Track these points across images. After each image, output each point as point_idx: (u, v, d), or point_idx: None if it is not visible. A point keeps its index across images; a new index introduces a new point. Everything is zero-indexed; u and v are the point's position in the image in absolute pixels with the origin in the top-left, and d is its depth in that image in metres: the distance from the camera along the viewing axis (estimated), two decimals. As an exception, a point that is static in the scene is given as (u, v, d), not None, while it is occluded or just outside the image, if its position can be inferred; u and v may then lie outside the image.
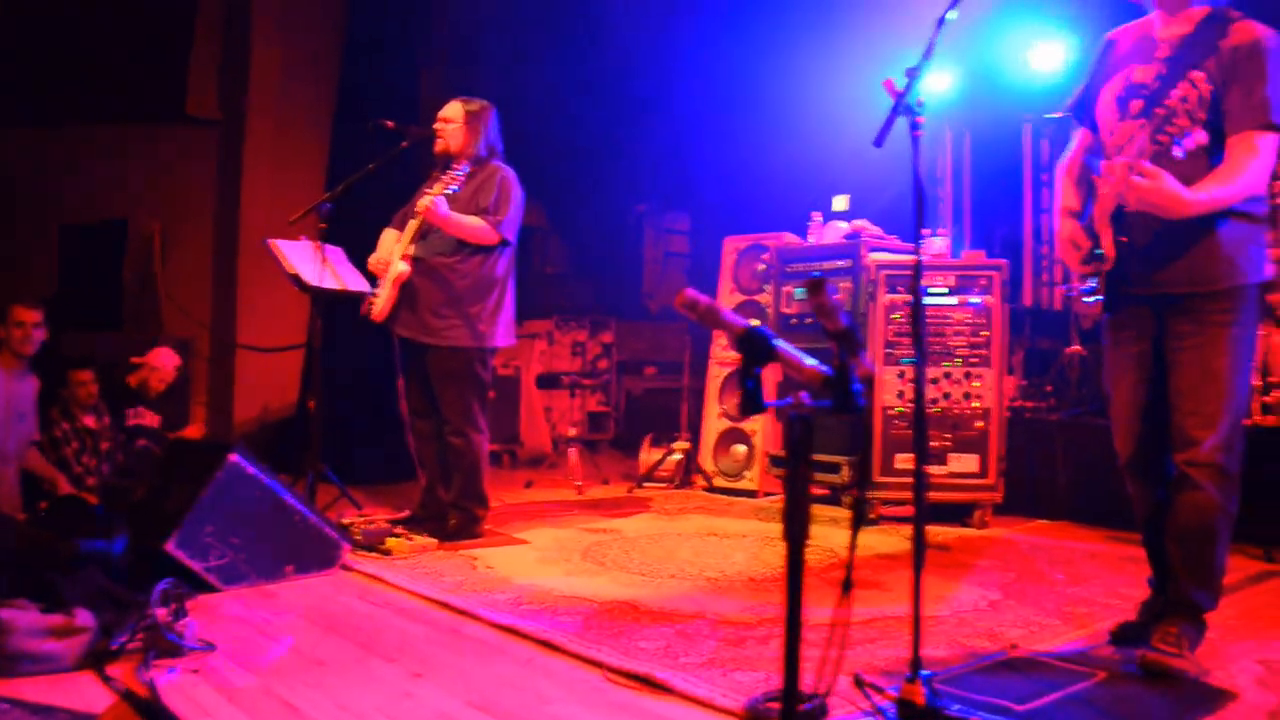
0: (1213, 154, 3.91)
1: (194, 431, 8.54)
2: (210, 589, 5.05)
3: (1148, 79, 4.07)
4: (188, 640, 4.12)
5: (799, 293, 7.96)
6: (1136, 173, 3.76)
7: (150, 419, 7.65)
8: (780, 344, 2.13)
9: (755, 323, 2.16)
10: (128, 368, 7.84)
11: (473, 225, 6.40)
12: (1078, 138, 4.52)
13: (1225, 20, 3.95)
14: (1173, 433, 4.07)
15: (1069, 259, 4.30)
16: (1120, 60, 4.26)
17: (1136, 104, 4.06)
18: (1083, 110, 4.45)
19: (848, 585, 2.55)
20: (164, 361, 7.95)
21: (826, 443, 7.36)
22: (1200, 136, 3.74)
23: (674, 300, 2.03)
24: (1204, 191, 3.80)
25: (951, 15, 3.57)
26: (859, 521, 2.69)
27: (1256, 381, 6.82)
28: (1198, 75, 3.78)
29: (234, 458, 5.24)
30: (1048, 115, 9.29)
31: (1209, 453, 3.96)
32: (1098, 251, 4.13)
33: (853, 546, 2.48)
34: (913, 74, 3.46)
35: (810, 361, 2.19)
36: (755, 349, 2.09)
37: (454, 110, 6.67)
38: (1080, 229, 4.23)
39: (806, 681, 2.62)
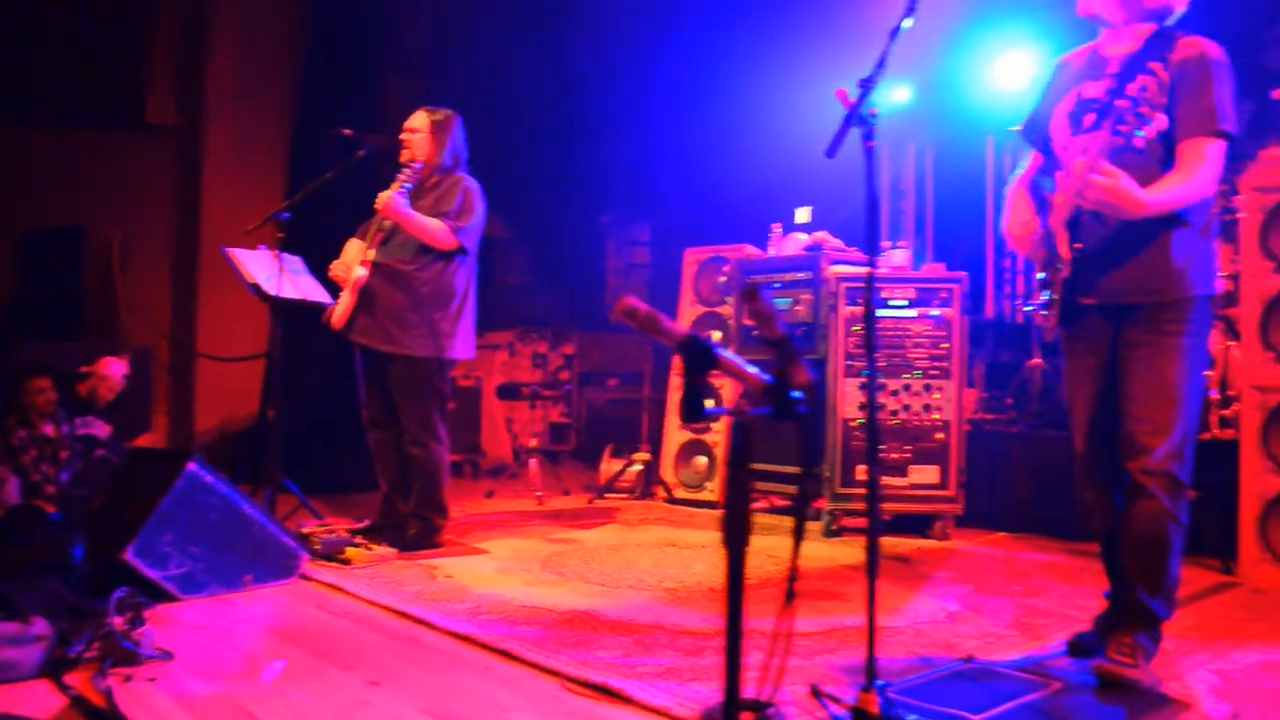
0: (1168, 149, 4.01)
1: (148, 440, 8.49)
2: (169, 598, 5.02)
3: (1098, 93, 4.15)
4: (145, 649, 4.10)
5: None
6: (1096, 171, 3.82)
7: (101, 428, 7.60)
8: (722, 351, 2.14)
9: (717, 336, 2.17)
10: (77, 376, 7.80)
11: (432, 226, 6.40)
12: (1029, 160, 4.60)
13: (1171, 37, 4.07)
14: (1124, 441, 4.12)
15: (1031, 253, 4.39)
16: (1071, 80, 4.35)
17: (1089, 118, 4.14)
18: (1034, 132, 4.55)
19: (790, 593, 2.56)
20: (112, 370, 7.90)
21: (789, 455, 7.40)
22: (1161, 122, 3.79)
23: (614, 308, 2.04)
24: (1158, 193, 3.87)
25: (907, 24, 3.60)
26: (801, 529, 2.69)
27: (1215, 395, 6.89)
28: (1155, 65, 3.83)
29: (192, 467, 5.22)
30: (1011, 129, 9.34)
31: (1160, 461, 4.01)
32: (1055, 256, 4.21)
33: (795, 553, 2.49)
34: (865, 85, 3.49)
35: (752, 369, 2.21)
36: (696, 357, 2.10)
37: (419, 120, 6.68)
38: (1039, 234, 4.31)
39: (765, 692, 2.63)
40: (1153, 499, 4.03)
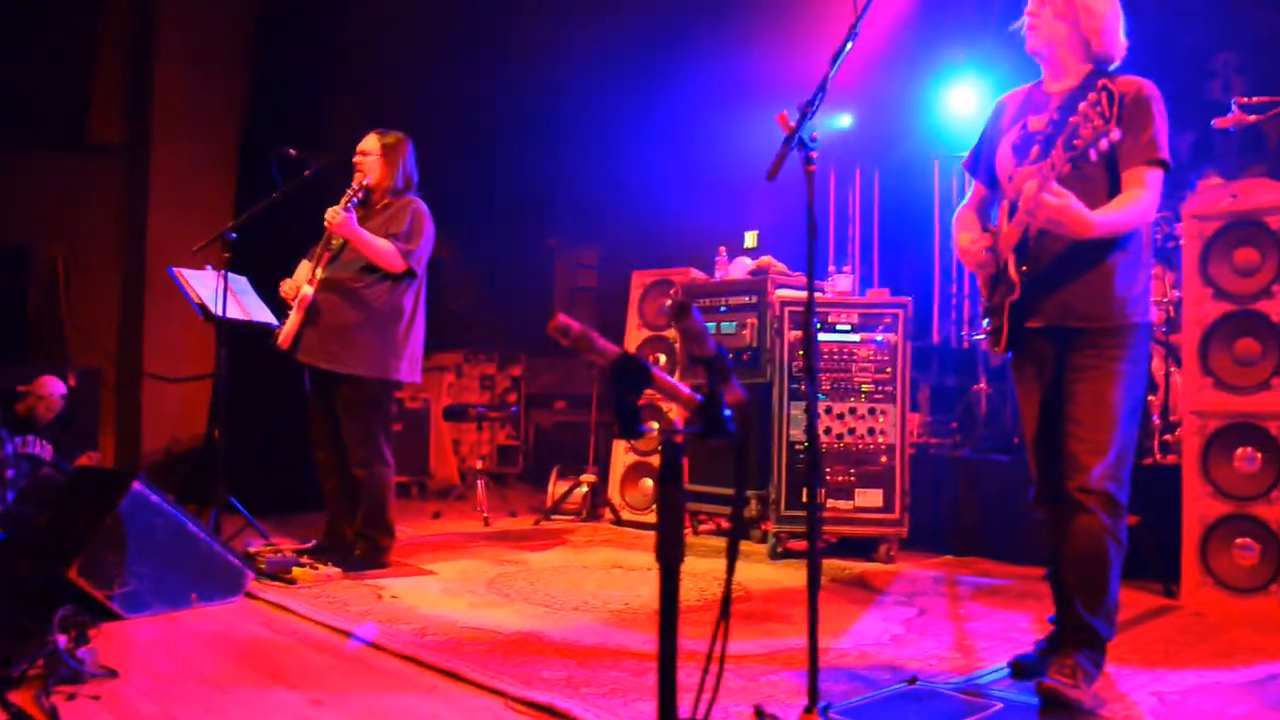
0: (1112, 176, 4.18)
1: (89, 459, 8.43)
2: (114, 616, 5.00)
3: (1042, 126, 4.30)
4: (89, 667, 4.09)
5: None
6: (1047, 191, 3.92)
7: (41, 448, 7.56)
8: (655, 371, 2.17)
9: (663, 359, 2.20)
10: (14, 396, 7.75)
11: (381, 246, 6.40)
12: (972, 191, 4.77)
13: (1109, 75, 4.22)
14: (1065, 460, 4.22)
15: (978, 267, 4.52)
16: (1016, 114, 4.50)
17: (1034, 150, 4.27)
18: (978, 166, 4.72)
19: (726, 611, 2.59)
20: (51, 390, 7.85)
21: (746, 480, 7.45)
22: (1115, 134, 3.87)
23: (547, 327, 2.07)
24: (1105, 215, 4.03)
25: (848, 47, 3.66)
26: (735, 547, 2.72)
27: (1157, 420, 6.97)
28: (1105, 82, 3.91)
29: (138, 486, 5.20)
30: (957, 154, 9.43)
31: (1098, 480, 4.12)
32: (1003, 277, 4.33)
33: (730, 571, 2.52)
34: (805, 109, 3.53)
35: (685, 388, 2.24)
36: (628, 375, 2.12)
37: (371, 143, 6.70)
38: (986, 254, 4.44)
39: (702, 711, 2.66)
40: (1092, 515, 4.13)
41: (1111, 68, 4.34)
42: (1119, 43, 4.33)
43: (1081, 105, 3.90)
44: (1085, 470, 4.13)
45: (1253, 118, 6.42)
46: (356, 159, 6.69)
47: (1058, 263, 4.21)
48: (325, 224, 6.41)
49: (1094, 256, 4.18)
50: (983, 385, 8.81)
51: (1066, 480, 4.21)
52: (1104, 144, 3.88)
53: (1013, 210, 4.24)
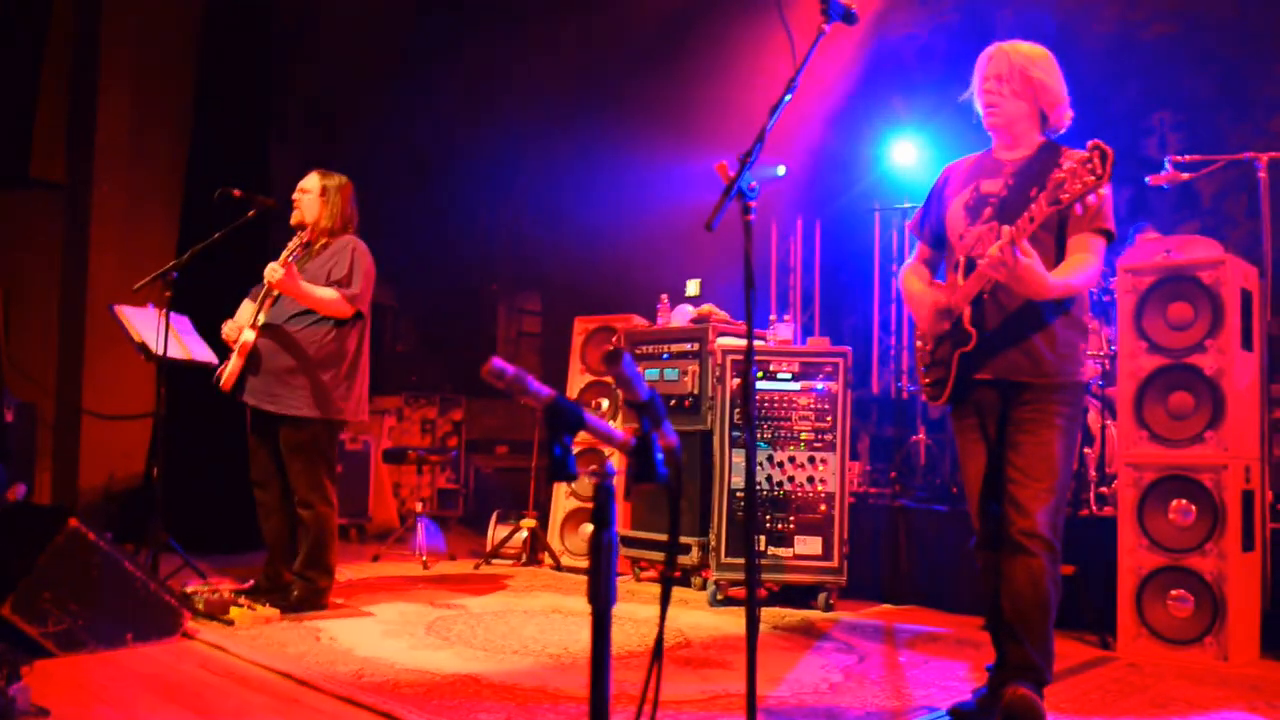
0: (1059, 244, 4.39)
1: (14, 493, 8.35)
2: (48, 654, 4.96)
3: (996, 189, 4.51)
4: (20, 705, 4.06)
5: (648, 374, 8.06)
6: (1019, 250, 4.04)
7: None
8: (588, 415, 2.20)
9: (605, 404, 2.23)
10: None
11: (324, 296, 6.41)
12: (917, 251, 4.95)
13: (1058, 149, 4.45)
14: (1009, 506, 4.35)
15: (925, 320, 4.70)
16: (968, 178, 4.67)
17: (987, 211, 4.47)
18: (923, 227, 4.89)
19: (658, 651, 2.61)
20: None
21: (683, 525, 7.48)
22: (1105, 188, 4.08)
23: (481, 370, 2.09)
24: (1059, 279, 4.22)
25: (786, 98, 3.71)
26: (667, 592, 2.75)
27: (1093, 473, 7.05)
28: (1097, 143, 4.02)
29: (74, 523, 5.17)
30: (896, 205, 9.54)
31: (1041, 525, 4.26)
32: (957, 329, 4.49)
33: (663, 611, 2.55)
34: (743, 159, 3.59)
35: (618, 432, 2.28)
36: (560, 418, 2.15)
37: (311, 181, 6.71)
38: (942, 298, 4.62)
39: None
40: (1035, 558, 4.26)
41: (1058, 135, 4.57)
42: (1068, 115, 4.54)
43: (1067, 164, 4.05)
44: (1030, 515, 4.27)
45: (1186, 175, 6.57)
46: (295, 195, 6.70)
47: (1010, 319, 4.37)
48: (267, 281, 6.40)
49: (1042, 317, 4.36)
50: (921, 436, 8.90)
51: (1010, 526, 4.33)
52: (1092, 200, 4.05)
53: (969, 266, 4.40)
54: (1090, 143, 3.99)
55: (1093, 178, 3.94)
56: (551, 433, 2.16)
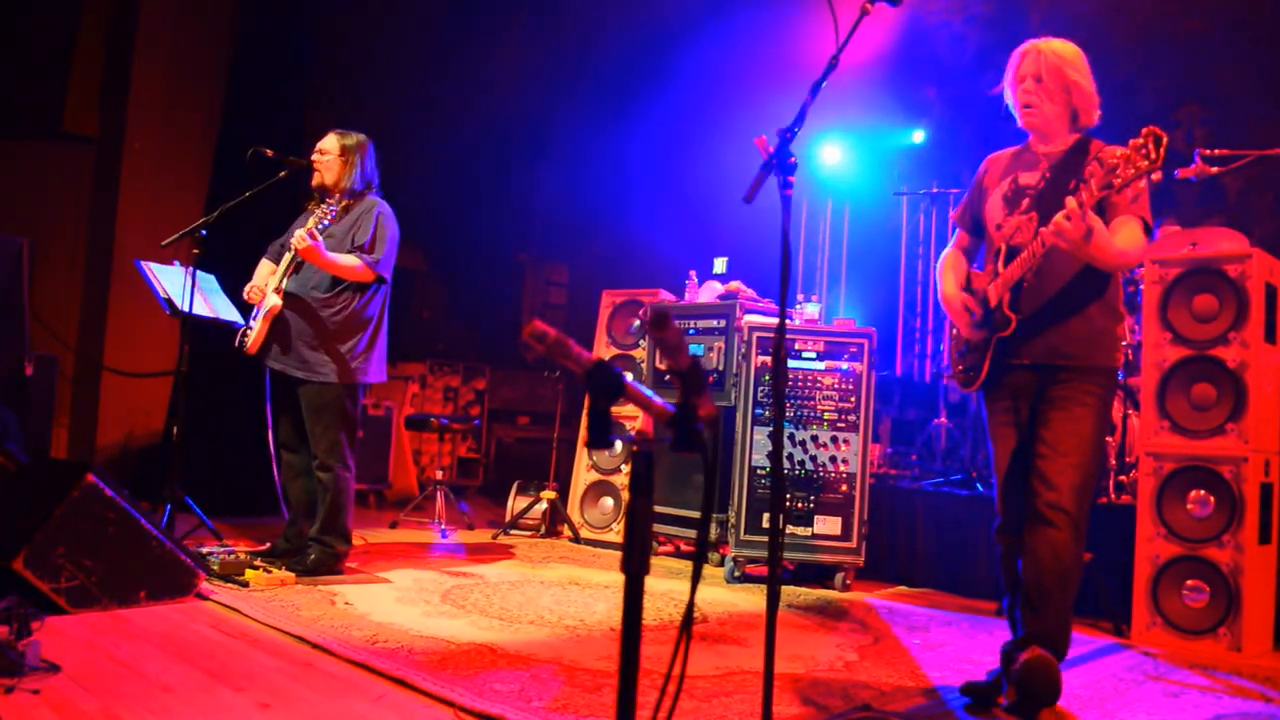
0: None
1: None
2: (60, 610, 4.95)
3: (1033, 182, 4.57)
4: (30, 660, 4.03)
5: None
6: (1085, 218, 4.05)
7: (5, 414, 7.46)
8: (629, 379, 2.15)
9: (630, 378, 2.18)
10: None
11: (348, 264, 6.38)
12: (956, 238, 5.00)
13: (1089, 142, 4.55)
14: (1034, 481, 4.35)
15: (962, 323, 4.72)
16: (1006, 170, 4.74)
17: (1025, 202, 4.53)
18: (966, 217, 4.94)
19: (687, 628, 2.56)
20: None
21: (696, 499, 7.44)
22: (1158, 174, 4.05)
23: (522, 332, 2.04)
24: (1121, 246, 4.26)
25: (827, 76, 3.68)
26: (699, 566, 2.70)
27: (1113, 461, 7.01)
28: (1153, 129, 4.02)
29: (91, 478, 5.14)
30: (922, 190, 9.50)
31: (1067, 498, 4.26)
32: (996, 315, 4.52)
33: (694, 587, 2.49)
34: (785, 134, 3.54)
35: (658, 399, 2.22)
36: (602, 383, 2.10)
37: (330, 142, 6.65)
38: (972, 299, 4.66)
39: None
40: (1059, 530, 4.25)
41: (1090, 130, 4.62)
42: (1097, 115, 4.58)
43: (1121, 151, 4.05)
44: (1057, 489, 4.27)
45: (1215, 170, 6.52)
46: (314, 157, 6.65)
47: (1049, 305, 4.42)
48: (293, 247, 6.34)
49: (1080, 302, 4.42)
50: (943, 419, 8.85)
51: (1035, 498, 4.32)
52: (1142, 184, 4.16)
53: (1010, 255, 4.47)
54: (1145, 129, 4.00)
55: (1146, 162, 3.95)
56: (592, 398, 2.12)
